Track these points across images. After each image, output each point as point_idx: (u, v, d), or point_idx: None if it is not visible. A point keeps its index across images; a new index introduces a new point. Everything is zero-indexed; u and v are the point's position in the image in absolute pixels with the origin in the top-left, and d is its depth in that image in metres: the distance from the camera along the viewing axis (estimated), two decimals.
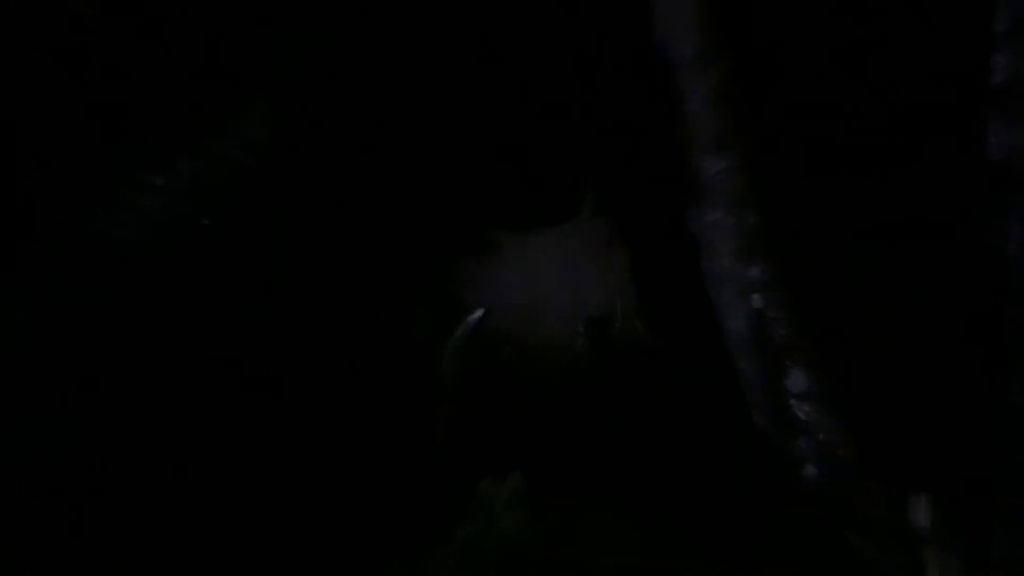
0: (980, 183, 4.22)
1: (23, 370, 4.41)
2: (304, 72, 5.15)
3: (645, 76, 4.95)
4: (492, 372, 5.31)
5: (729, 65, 4.86)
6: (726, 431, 4.97)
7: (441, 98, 5.54)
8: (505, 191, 5.59)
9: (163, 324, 4.59)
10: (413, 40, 5.39)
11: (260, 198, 4.92)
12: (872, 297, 5.02)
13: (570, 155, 5.53)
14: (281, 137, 5.07)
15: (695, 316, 4.90)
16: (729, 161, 4.87)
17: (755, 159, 4.89)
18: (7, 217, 4.49)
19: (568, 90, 5.49)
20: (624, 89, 5.33)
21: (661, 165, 4.98)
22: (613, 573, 4.75)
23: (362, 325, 5.14)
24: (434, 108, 5.54)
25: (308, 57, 5.15)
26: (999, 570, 4.08)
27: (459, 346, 5.29)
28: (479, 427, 5.24)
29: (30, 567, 4.23)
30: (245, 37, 5.05)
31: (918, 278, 4.97)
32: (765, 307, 4.88)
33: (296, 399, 4.95)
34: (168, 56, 4.82)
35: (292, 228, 5.05)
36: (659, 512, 4.94)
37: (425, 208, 5.42)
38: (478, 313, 5.31)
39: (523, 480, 5.04)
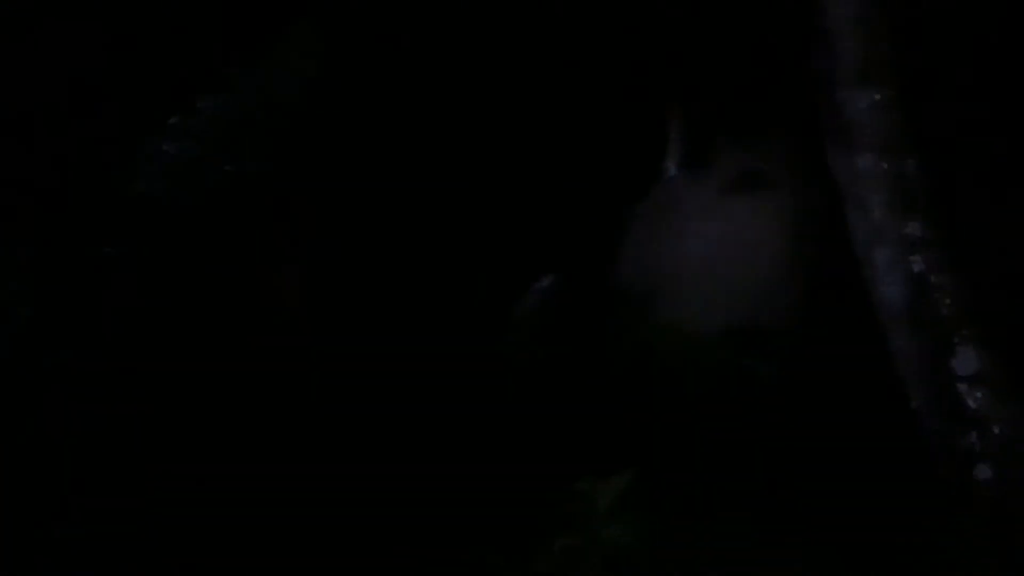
0: None
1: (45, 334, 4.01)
2: None
3: None
4: (610, 354, 4.54)
5: None
6: (876, 424, 4.14)
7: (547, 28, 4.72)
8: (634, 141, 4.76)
9: (190, 287, 3.98)
10: None
11: (301, 142, 4.21)
12: None
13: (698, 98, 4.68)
14: (332, 68, 4.34)
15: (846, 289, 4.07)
16: (880, 95, 4.02)
17: (912, 92, 4.03)
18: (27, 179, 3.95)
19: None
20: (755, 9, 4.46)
21: (798, 101, 4.13)
22: None
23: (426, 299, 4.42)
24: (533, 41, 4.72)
25: None
26: None
27: (527, 317, 4.52)
28: (576, 416, 4.48)
29: None
30: None
31: None
32: (926, 271, 4.03)
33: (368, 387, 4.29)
34: None
35: (339, 179, 4.34)
36: (789, 521, 4.12)
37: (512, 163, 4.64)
38: (546, 281, 4.53)
39: (631, 480, 4.27)
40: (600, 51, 4.65)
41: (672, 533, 4.17)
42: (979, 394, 3.98)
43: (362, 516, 4.18)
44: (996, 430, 3.95)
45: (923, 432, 4.05)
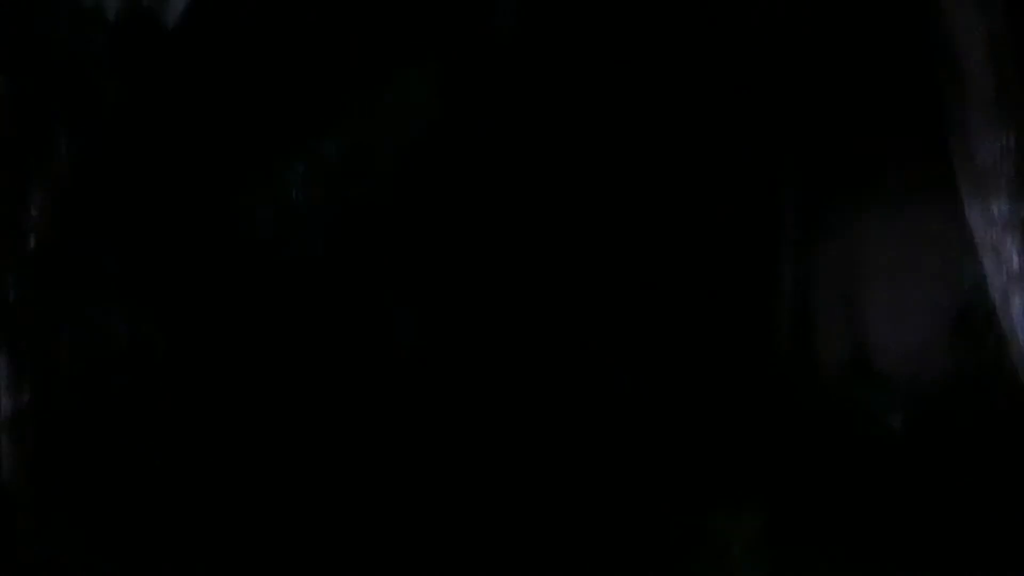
0: None
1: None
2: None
3: None
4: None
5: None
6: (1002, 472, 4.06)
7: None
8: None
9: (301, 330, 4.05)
10: None
11: (415, 185, 4.20)
12: None
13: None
14: (446, 112, 4.29)
15: None
16: (1014, 140, 3.84)
17: None
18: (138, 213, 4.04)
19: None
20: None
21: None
22: None
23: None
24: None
25: None
26: None
27: None
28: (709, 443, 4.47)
29: None
30: None
31: None
32: None
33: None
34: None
35: (453, 220, 4.32)
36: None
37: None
38: None
39: (766, 518, 4.26)
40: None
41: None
42: None
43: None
44: None
45: None
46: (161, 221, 4.22)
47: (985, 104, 3.90)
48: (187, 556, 4.09)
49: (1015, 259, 3.94)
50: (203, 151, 4.25)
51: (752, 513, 4.30)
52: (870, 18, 4.38)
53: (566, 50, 4.49)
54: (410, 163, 4.34)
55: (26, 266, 3.81)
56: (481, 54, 4.44)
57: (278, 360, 4.28)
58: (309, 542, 4.22)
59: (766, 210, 4.68)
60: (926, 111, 4.04)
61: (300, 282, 4.26)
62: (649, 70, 4.51)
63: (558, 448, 4.49)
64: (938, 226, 4.17)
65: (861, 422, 4.43)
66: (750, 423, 4.56)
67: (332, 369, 4.34)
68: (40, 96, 3.86)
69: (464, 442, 4.45)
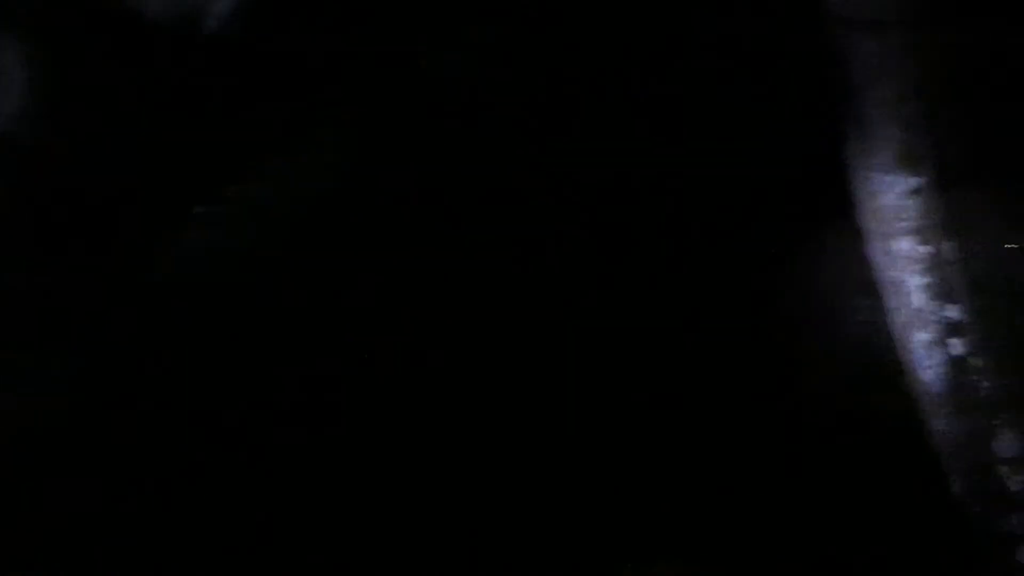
0: None
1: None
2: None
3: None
4: None
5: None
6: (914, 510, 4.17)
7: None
8: None
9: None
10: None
11: (329, 232, 4.21)
12: None
13: None
14: (364, 159, 4.31)
15: None
16: (919, 180, 3.98)
17: (951, 176, 3.99)
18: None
19: None
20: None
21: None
22: None
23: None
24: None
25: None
26: None
27: None
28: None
29: None
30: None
31: None
32: (966, 354, 4.03)
33: None
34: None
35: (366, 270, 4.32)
36: None
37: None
38: None
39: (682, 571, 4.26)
40: None
41: None
42: (1021, 477, 4.00)
43: None
44: None
45: (964, 516, 4.07)
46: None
47: (892, 146, 4.04)
48: None
49: (915, 296, 4.09)
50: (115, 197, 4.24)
51: (667, 564, 4.29)
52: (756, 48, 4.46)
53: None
54: (326, 211, 4.35)
55: None
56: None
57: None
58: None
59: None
60: (825, 146, 4.14)
61: (211, 325, 4.26)
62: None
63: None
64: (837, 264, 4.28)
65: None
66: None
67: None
68: None
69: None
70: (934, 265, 4.05)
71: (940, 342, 4.07)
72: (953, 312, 4.05)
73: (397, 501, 4.18)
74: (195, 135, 4.16)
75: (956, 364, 4.04)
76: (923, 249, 4.05)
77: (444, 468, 4.18)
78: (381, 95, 4.37)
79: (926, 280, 4.06)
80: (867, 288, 4.17)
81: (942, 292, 4.06)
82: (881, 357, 4.16)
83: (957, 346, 4.05)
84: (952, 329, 4.05)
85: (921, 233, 4.04)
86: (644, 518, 4.25)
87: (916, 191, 4.02)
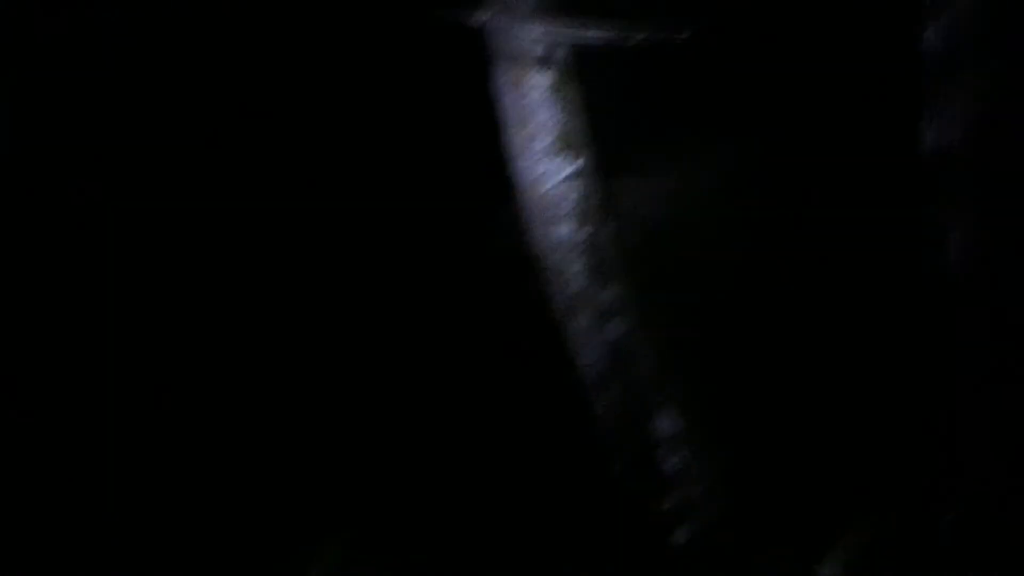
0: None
1: None
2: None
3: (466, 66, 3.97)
4: None
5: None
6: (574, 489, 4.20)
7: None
8: None
9: None
10: None
11: None
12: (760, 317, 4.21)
13: None
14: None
15: None
16: (577, 165, 3.97)
17: (608, 162, 4.00)
18: None
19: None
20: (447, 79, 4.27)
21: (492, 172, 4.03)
22: None
23: None
24: None
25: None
26: None
27: None
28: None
29: None
30: None
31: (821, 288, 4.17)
32: (624, 336, 4.07)
33: None
34: None
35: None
36: None
37: None
38: None
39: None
40: None
41: None
42: (679, 456, 4.08)
43: None
44: (696, 492, 4.07)
45: (624, 497, 4.13)
46: None
47: (550, 132, 4.02)
48: None
49: (575, 281, 4.09)
50: None
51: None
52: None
53: None
54: None
55: None
56: None
57: None
58: None
59: None
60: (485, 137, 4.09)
61: None
62: None
63: None
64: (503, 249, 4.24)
65: None
66: None
67: None
68: None
69: None
70: (592, 249, 4.07)
71: (599, 326, 4.10)
72: (611, 295, 4.09)
73: None
74: None
75: (615, 347, 4.09)
76: (582, 233, 4.06)
77: None
78: None
79: (585, 264, 4.07)
80: (529, 273, 4.15)
81: (600, 275, 4.08)
82: (544, 341, 4.15)
83: (615, 328, 4.09)
84: (610, 311, 4.09)
85: (579, 218, 4.05)
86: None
87: (574, 176, 4.03)
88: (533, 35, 3.97)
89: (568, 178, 4.02)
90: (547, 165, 4.02)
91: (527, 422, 4.27)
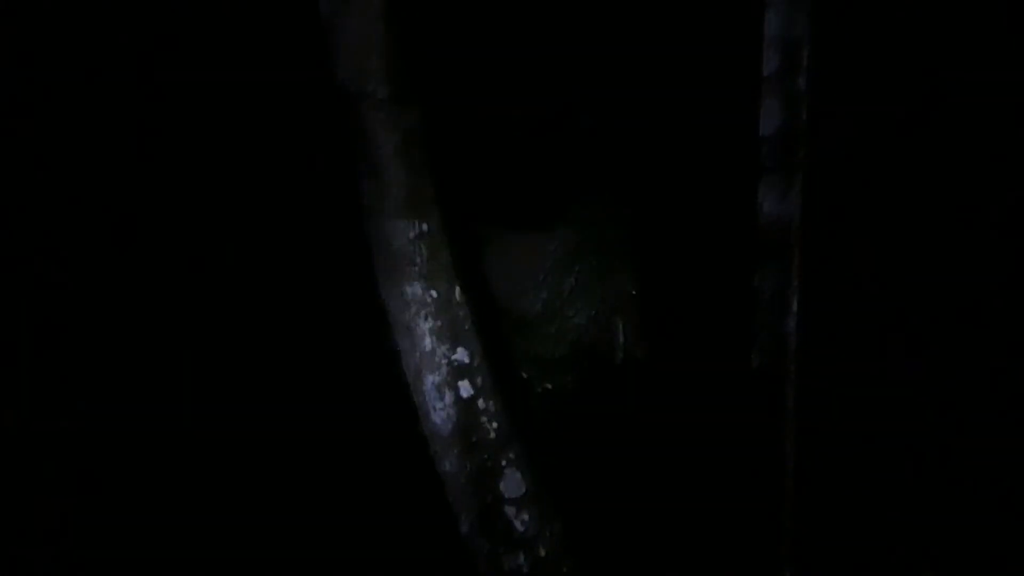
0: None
1: None
2: None
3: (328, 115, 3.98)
4: None
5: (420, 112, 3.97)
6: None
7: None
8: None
9: None
10: None
11: None
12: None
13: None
14: None
15: None
16: (426, 225, 4.02)
17: (456, 222, 4.06)
18: None
19: None
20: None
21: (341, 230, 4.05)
22: None
23: None
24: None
25: None
26: None
27: None
28: None
29: None
30: None
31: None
32: (474, 396, 4.10)
33: None
34: None
35: None
36: None
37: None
38: None
39: None
40: None
41: None
42: (526, 516, 4.11)
43: None
44: (542, 552, 4.10)
45: (471, 555, 4.14)
46: None
47: (398, 193, 4.05)
48: None
49: (427, 339, 4.11)
50: None
51: None
52: None
53: None
54: None
55: None
56: None
57: None
58: None
59: None
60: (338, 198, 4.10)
61: None
62: None
63: None
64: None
65: None
66: None
67: None
68: None
69: None
70: (442, 308, 4.10)
71: (450, 384, 4.12)
72: (462, 355, 4.12)
73: None
74: None
75: (464, 406, 4.11)
76: (433, 292, 4.08)
77: None
78: None
79: (436, 323, 4.09)
80: (381, 332, 4.16)
81: (451, 335, 4.11)
82: (396, 400, 4.15)
83: (465, 388, 4.12)
84: (461, 371, 4.12)
85: (428, 277, 4.08)
86: None
87: (423, 235, 4.06)
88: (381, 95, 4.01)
89: (417, 238, 4.05)
90: (396, 223, 4.04)
91: (374, 478, 4.27)
